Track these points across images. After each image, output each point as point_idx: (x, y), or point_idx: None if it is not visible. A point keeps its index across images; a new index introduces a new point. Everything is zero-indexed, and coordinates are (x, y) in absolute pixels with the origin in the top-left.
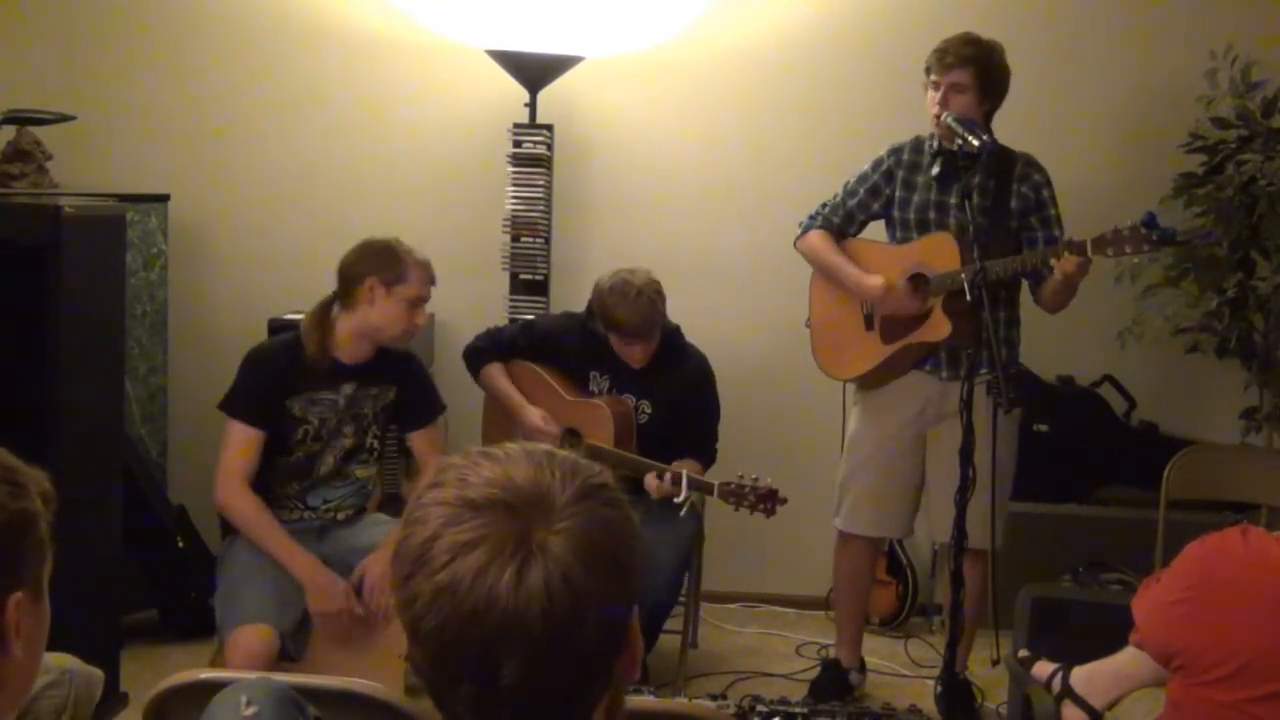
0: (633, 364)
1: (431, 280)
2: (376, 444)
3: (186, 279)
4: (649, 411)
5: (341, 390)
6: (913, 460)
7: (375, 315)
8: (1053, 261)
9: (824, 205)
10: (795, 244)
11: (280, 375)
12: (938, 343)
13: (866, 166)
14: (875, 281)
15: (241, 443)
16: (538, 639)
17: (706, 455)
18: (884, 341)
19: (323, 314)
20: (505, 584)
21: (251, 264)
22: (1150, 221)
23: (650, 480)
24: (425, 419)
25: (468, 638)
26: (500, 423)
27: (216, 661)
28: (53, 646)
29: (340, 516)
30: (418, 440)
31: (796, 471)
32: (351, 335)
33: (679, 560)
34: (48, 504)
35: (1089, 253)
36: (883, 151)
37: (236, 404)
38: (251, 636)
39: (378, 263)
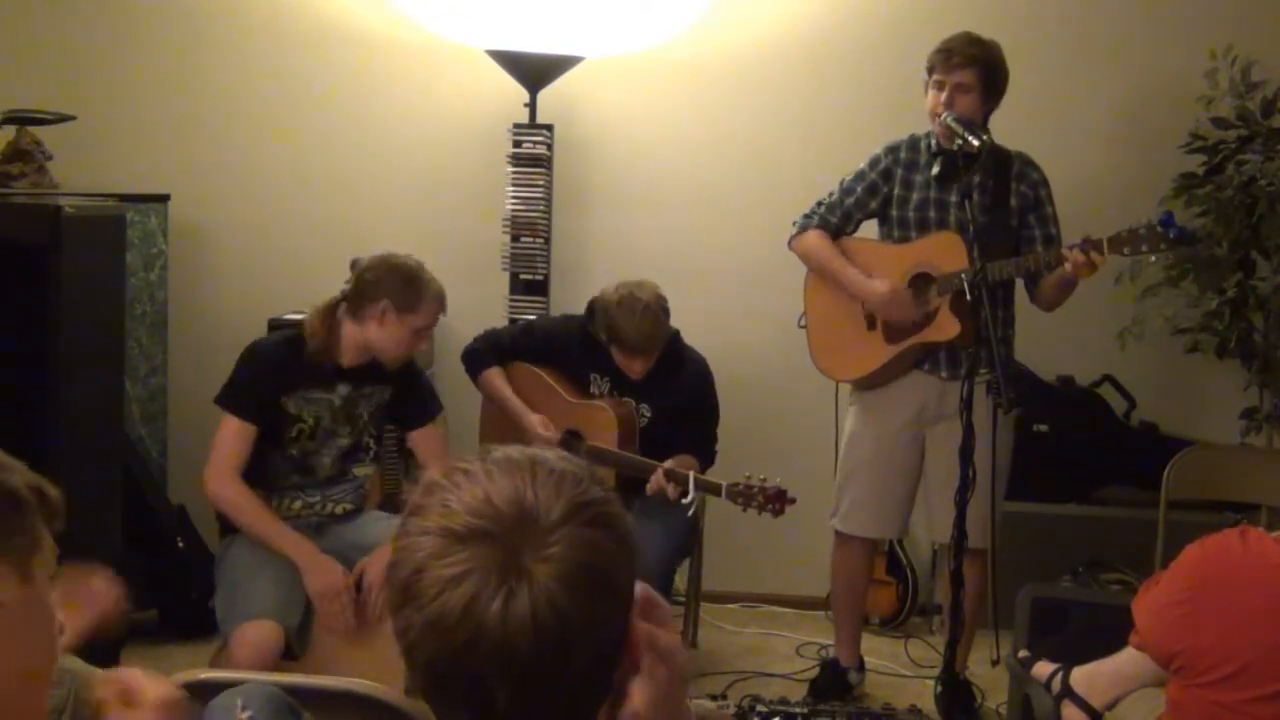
0: (632, 375)
1: (442, 310)
2: (373, 443)
3: (186, 279)
4: (649, 415)
5: (337, 391)
6: (910, 460)
7: (380, 336)
8: (1066, 259)
9: (819, 204)
10: (790, 244)
11: (278, 372)
12: (944, 343)
13: (864, 165)
14: (880, 286)
15: (234, 437)
16: (527, 667)
17: (705, 455)
18: (887, 342)
19: (329, 315)
20: (493, 616)
21: (251, 264)
22: (1168, 221)
23: (657, 480)
24: (423, 418)
25: (460, 669)
26: (499, 425)
27: (217, 661)
28: None
29: (339, 510)
30: (418, 439)
31: (796, 471)
32: (354, 344)
33: (669, 555)
34: (43, 503)
35: (1105, 251)
36: (879, 150)
37: (232, 399)
38: (257, 631)
39: (397, 288)
